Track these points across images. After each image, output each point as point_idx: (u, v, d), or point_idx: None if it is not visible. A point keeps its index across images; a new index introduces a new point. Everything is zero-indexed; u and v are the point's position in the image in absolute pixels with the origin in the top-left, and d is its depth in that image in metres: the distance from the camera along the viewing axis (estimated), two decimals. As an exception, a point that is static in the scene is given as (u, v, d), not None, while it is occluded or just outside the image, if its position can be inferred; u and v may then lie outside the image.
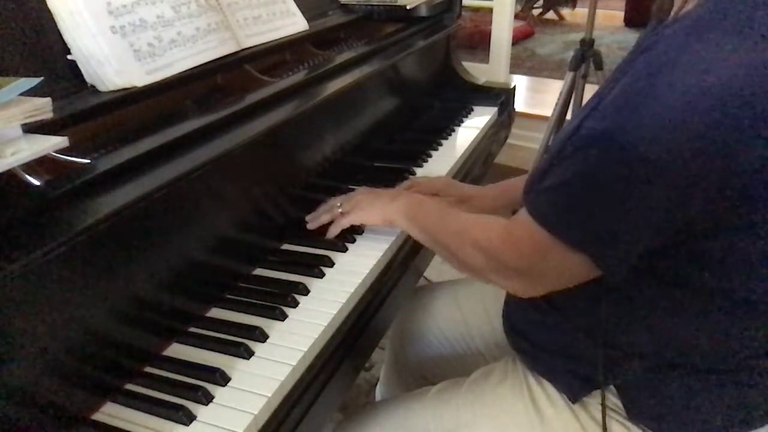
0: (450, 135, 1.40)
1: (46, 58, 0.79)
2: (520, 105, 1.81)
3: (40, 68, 0.78)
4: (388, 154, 1.30)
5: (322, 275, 0.88)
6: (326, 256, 0.91)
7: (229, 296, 0.84)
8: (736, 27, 0.61)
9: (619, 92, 0.65)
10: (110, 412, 0.66)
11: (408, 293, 1.13)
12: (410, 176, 1.19)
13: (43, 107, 0.62)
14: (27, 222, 0.60)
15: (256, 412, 0.65)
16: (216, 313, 0.81)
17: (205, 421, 0.64)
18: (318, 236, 0.96)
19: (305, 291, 0.84)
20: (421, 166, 1.25)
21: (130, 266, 0.69)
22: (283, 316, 0.79)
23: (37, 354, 0.59)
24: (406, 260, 0.97)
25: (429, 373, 1.16)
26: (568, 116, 2.24)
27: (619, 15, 5.20)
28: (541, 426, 0.83)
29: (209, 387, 0.68)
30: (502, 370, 0.91)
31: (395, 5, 1.45)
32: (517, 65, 4.06)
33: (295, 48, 1.17)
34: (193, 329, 0.78)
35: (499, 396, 0.88)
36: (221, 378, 0.69)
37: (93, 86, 0.81)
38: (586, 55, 2.17)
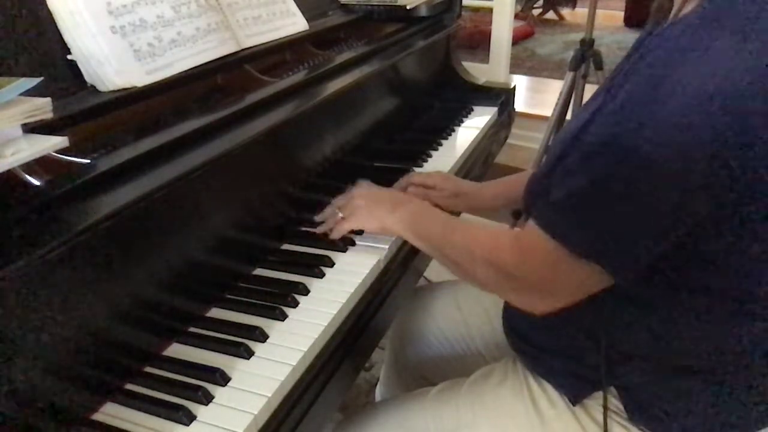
0: (450, 135, 1.40)
1: (46, 58, 0.79)
2: (520, 105, 1.81)
3: (40, 68, 0.78)
4: (388, 154, 1.30)
5: (322, 275, 0.88)
6: (326, 256, 0.91)
7: (229, 296, 0.84)
8: (737, 28, 0.60)
9: (623, 98, 0.65)
10: (110, 412, 0.66)
11: (408, 293, 1.13)
12: (410, 176, 1.18)
13: (43, 107, 0.62)
14: (27, 222, 0.60)
15: (256, 412, 0.65)
16: (216, 313, 0.81)
17: (205, 421, 0.64)
18: (318, 236, 0.96)
19: (305, 291, 0.84)
20: (421, 166, 1.25)
21: (130, 266, 0.69)
22: (283, 316, 0.79)
23: (37, 354, 0.59)
24: (406, 260, 0.97)
25: (429, 373, 1.16)
26: (568, 116, 2.24)
27: (619, 15, 5.21)
28: (541, 427, 0.83)
29: (209, 387, 0.68)
30: (503, 370, 0.91)
31: (395, 5, 1.45)
32: (517, 65, 4.07)
33: (295, 48, 1.18)
34: (193, 329, 0.78)
35: (499, 397, 0.88)
36: (221, 378, 0.69)
37: (93, 86, 0.81)
38: (586, 55, 2.17)
